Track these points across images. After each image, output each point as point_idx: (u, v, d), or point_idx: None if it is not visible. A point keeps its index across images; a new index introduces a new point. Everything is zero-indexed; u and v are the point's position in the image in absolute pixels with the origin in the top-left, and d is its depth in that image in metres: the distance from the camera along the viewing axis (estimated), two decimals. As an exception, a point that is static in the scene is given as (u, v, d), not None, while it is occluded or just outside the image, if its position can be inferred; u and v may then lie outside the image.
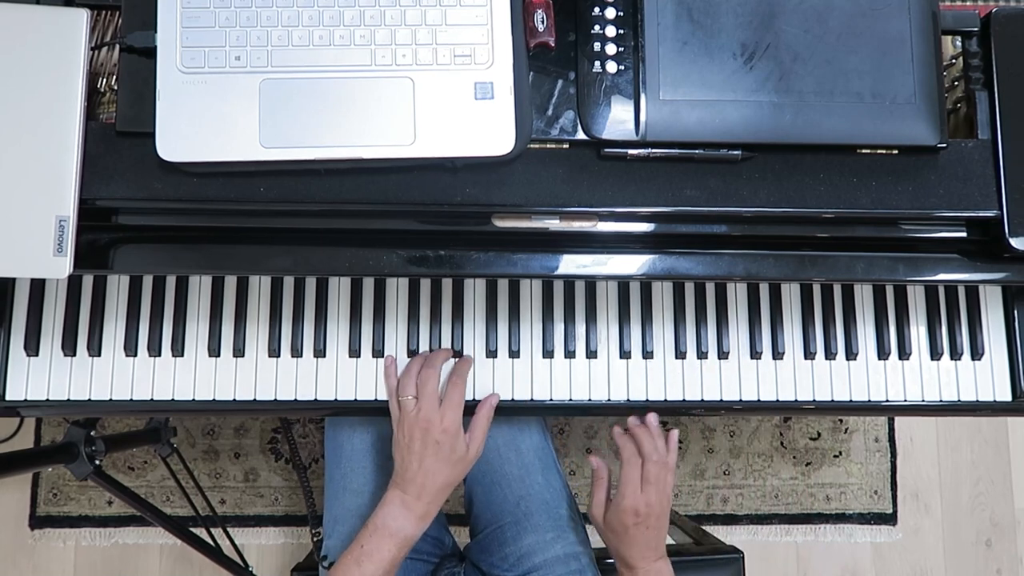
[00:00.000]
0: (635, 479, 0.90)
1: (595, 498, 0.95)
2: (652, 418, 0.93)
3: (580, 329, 0.94)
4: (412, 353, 0.92)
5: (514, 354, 0.93)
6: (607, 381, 0.94)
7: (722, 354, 0.95)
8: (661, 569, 0.93)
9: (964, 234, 0.84)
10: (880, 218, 0.82)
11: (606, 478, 0.95)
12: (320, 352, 0.92)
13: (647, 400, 0.94)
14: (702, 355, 0.95)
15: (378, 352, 0.92)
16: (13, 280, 0.90)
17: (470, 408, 0.90)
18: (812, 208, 0.79)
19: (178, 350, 0.90)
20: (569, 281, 0.95)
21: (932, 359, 0.95)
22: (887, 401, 0.95)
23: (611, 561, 0.97)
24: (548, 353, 0.94)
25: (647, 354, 0.94)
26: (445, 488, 0.88)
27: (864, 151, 0.80)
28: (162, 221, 0.81)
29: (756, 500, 1.73)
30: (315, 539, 1.43)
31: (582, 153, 0.79)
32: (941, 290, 0.96)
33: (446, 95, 0.75)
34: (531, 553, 1.00)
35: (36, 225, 0.72)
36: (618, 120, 0.77)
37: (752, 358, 0.95)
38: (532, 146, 0.78)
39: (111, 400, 0.90)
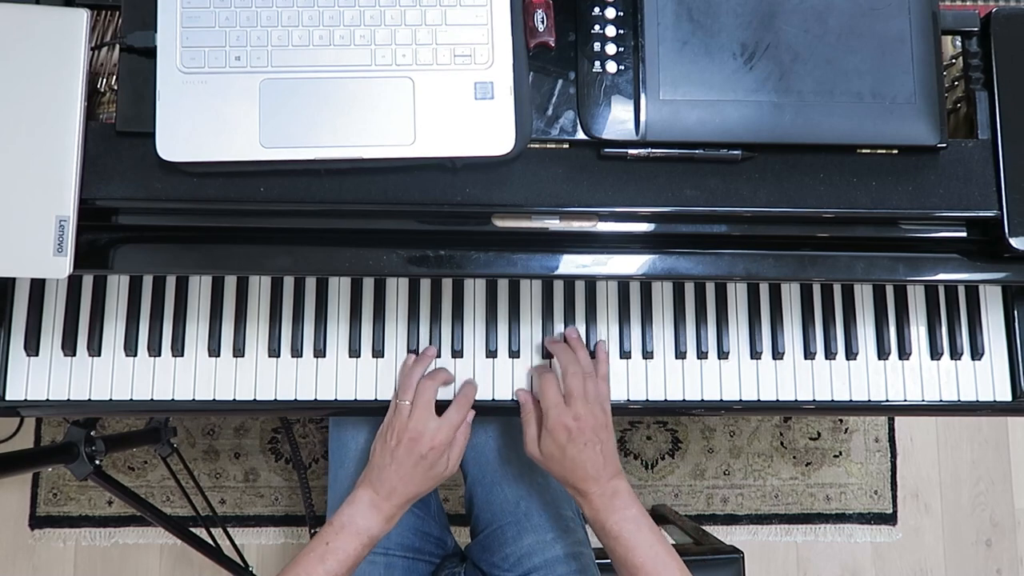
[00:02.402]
0: (554, 395, 0.86)
1: (527, 434, 0.89)
2: (571, 331, 0.92)
3: (580, 329, 0.94)
4: (412, 353, 0.92)
5: (514, 354, 0.93)
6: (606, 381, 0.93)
7: (722, 354, 0.95)
8: (617, 488, 0.85)
9: (964, 234, 0.84)
10: (880, 218, 0.82)
11: (534, 412, 0.89)
12: (320, 352, 0.92)
13: (647, 400, 0.94)
14: (702, 355, 0.95)
15: (378, 352, 0.92)
16: (13, 280, 0.90)
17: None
18: (812, 208, 0.79)
19: (178, 350, 0.90)
20: (569, 281, 0.95)
21: (932, 359, 0.95)
22: (887, 401, 0.95)
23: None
24: (548, 354, 0.94)
25: (647, 354, 0.94)
26: (415, 496, 0.88)
27: (864, 151, 0.80)
28: (162, 221, 0.81)
29: (756, 500, 1.73)
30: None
31: (582, 153, 0.79)
32: (941, 290, 0.96)
33: (446, 95, 0.75)
34: (531, 553, 1.00)
35: (36, 225, 0.72)
36: (618, 120, 0.77)
37: (752, 358, 0.95)
38: (532, 146, 0.78)
39: (111, 400, 0.90)
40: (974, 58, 0.83)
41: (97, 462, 1.11)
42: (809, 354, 0.95)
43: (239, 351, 0.91)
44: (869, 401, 0.95)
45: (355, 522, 0.85)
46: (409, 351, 0.92)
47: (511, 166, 0.77)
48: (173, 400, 0.90)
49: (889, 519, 1.74)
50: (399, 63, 0.75)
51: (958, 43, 0.86)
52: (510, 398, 0.93)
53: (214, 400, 0.91)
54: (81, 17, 0.74)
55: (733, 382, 0.94)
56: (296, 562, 0.84)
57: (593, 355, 0.92)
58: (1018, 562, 1.75)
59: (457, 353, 0.93)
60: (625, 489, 0.85)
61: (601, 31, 0.78)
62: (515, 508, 1.03)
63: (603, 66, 0.78)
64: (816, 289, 0.96)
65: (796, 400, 0.95)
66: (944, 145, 0.79)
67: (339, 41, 0.75)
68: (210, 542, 1.36)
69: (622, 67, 0.78)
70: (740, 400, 0.94)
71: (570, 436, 0.84)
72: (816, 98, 0.77)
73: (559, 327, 0.94)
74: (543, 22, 0.78)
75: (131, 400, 0.90)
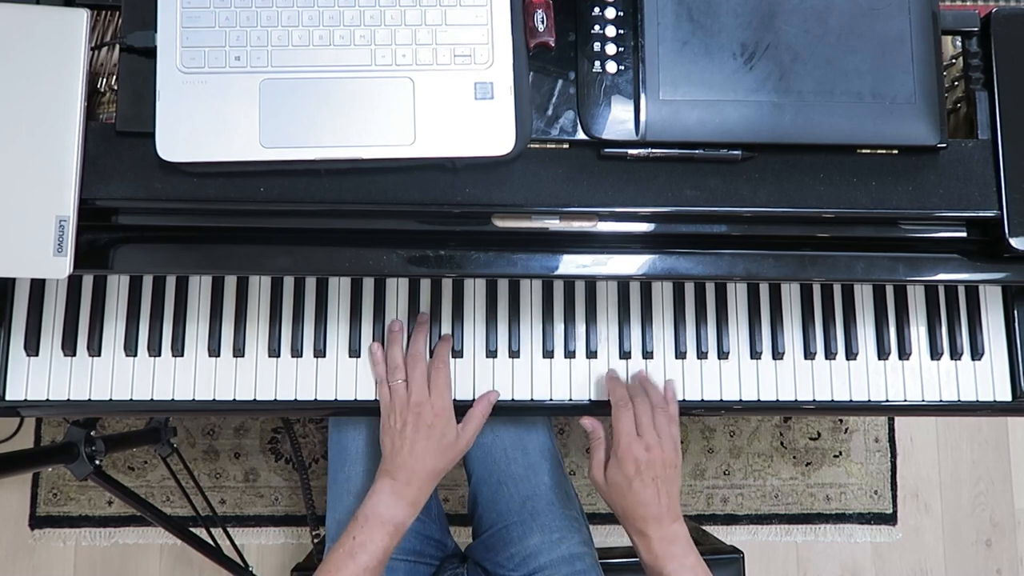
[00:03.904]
0: (628, 424, 0.86)
1: (594, 458, 0.89)
2: (639, 373, 0.93)
3: (580, 329, 0.94)
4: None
5: (514, 354, 0.93)
6: (607, 381, 0.93)
7: (722, 354, 0.95)
8: (677, 533, 0.84)
9: (964, 234, 0.84)
10: (880, 218, 0.82)
11: (603, 437, 0.89)
12: (320, 352, 0.92)
13: (647, 400, 0.93)
14: (702, 355, 0.95)
15: (378, 352, 0.92)
16: (13, 280, 0.90)
17: (465, 406, 0.91)
18: (812, 208, 0.79)
19: (178, 350, 0.90)
20: (569, 281, 0.95)
21: (932, 359, 0.95)
22: (887, 401, 0.95)
23: (615, 561, 0.96)
24: (548, 353, 0.94)
25: (647, 354, 0.94)
26: (434, 474, 0.88)
27: (864, 151, 0.80)
28: (162, 221, 0.81)
29: (756, 500, 1.73)
30: (315, 540, 1.43)
31: (582, 153, 0.79)
32: (941, 290, 0.96)
33: (446, 95, 0.75)
34: (537, 553, 1.00)
35: (36, 225, 0.72)
36: (618, 120, 0.77)
37: (752, 358, 0.95)
38: (532, 146, 0.78)
39: (111, 400, 0.90)
40: (974, 58, 0.83)
41: (97, 462, 1.11)
42: (809, 354, 0.95)
43: (239, 351, 0.91)
44: (869, 401, 0.95)
45: (379, 512, 0.85)
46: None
47: (511, 166, 0.77)
48: (173, 400, 0.90)
49: (889, 519, 1.74)
50: (399, 63, 0.75)
51: (958, 43, 0.86)
52: (510, 398, 0.93)
53: (214, 400, 0.91)
54: (81, 17, 0.74)
55: (733, 382, 0.94)
56: (326, 560, 0.84)
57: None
58: (1018, 562, 1.75)
59: (457, 353, 0.93)
60: (684, 535, 0.85)
61: (601, 31, 0.78)
62: (521, 508, 1.03)
63: (603, 66, 0.78)
64: (816, 289, 0.96)
65: (796, 400, 0.95)
66: (944, 145, 0.79)
67: (339, 41, 0.75)
68: (210, 542, 1.36)
69: (622, 67, 0.78)
70: (740, 400, 0.94)
71: (638, 468, 0.84)
72: (816, 98, 0.77)
73: (559, 327, 0.94)
74: (543, 22, 0.78)
75: (131, 400, 0.90)
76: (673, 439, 0.87)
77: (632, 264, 0.83)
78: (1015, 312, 0.95)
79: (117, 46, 0.78)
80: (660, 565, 0.83)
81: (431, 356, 0.91)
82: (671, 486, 0.85)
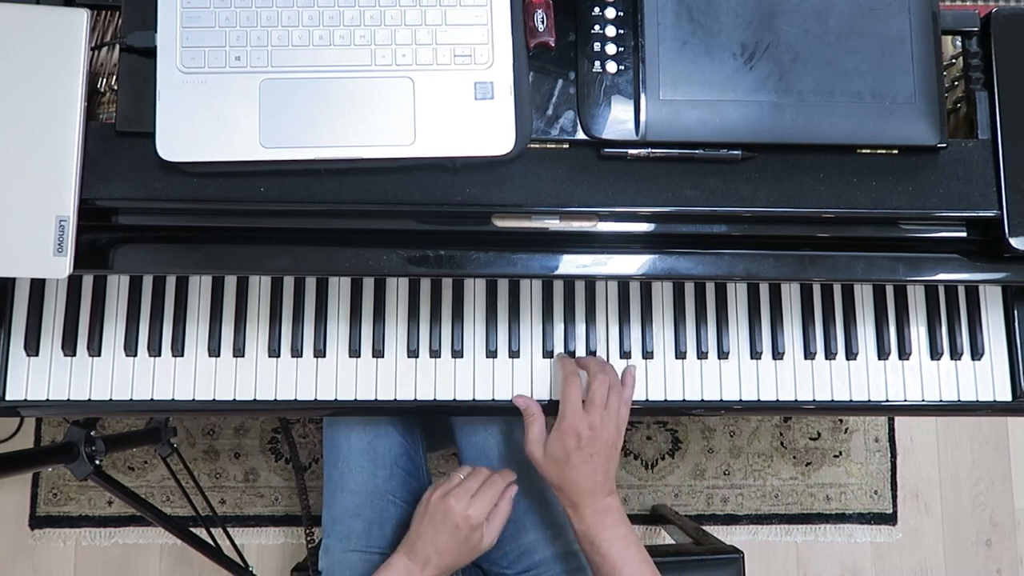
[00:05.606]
0: (575, 398, 0.86)
1: (530, 434, 0.88)
2: (597, 358, 0.92)
3: (580, 329, 0.94)
4: (412, 353, 0.92)
5: (514, 354, 0.93)
6: (607, 381, 0.93)
7: (722, 354, 0.95)
8: (609, 506, 0.86)
9: (964, 234, 0.84)
10: (880, 218, 0.82)
11: (539, 413, 0.89)
12: (320, 352, 0.92)
13: (647, 400, 0.94)
14: (702, 355, 0.95)
15: (378, 352, 0.92)
16: (13, 280, 0.90)
17: (466, 405, 0.91)
18: (812, 208, 0.79)
19: (178, 350, 0.90)
20: (569, 281, 0.95)
21: (932, 359, 0.95)
22: (887, 401, 0.95)
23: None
24: (548, 353, 0.94)
25: (647, 354, 0.94)
26: (451, 568, 0.88)
27: (864, 151, 0.80)
28: (162, 221, 0.81)
29: (756, 500, 1.73)
30: (309, 543, 1.43)
31: (582, 153, 0.79)
32: (941, 290, 0.96)
33: (446, 95, 0.75)
34: (531, 550, 1.00)
35: (36, 225, 0.72)
36: (618, 120, 0.77)
37: (752, 358, 0.95)
38: (532, 146, 0.78)
39: (111, 400, 0.90)
40: (974, 58, 0.84)
41: (97, 462, 1.11)
42: (809, 354, 0.95)
43: (239, 351, 0.91)
44: (869, 401, 0.95)
45: None
46: (409, 351, 0.92)
47: (511, 166, 0.78)
48: (173, 400, 0.90)
49: (889, 519, 1.74)
50: (399, 63, 0.75)
51: (958, 43, 0.86)
52: (510, 398, 0.93)
53: (214, 400, 0.91)
54: (81, 17, 0.74)
55: (733, 382, 0.94)
56: None
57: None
58: (1018, 562, 1.75)
59: (457, 353, 0.93)
60: (617, 507, 0.87)
61: (601, 31, 0.78)
62: (515, 506, 1.03)
63: (603, 66, 0.78)
64: (816, 289, 0.96)
65: (796, 400, 0.95)
66: (944, 145, 0.79)
67: (339, 41, 0.75)
68: (210, 542, 1.36)
69: (622, 67, 0.78)
70: (740, 400, 0.94)
71: (579, 443, 0.85)
72: (816, 98, 0.77)
73: (559, 327, 0.94)
74: (543, 22, 0.78)
75: (131, 400, 0.90)
76: (618, 421, 0.88)
77: (632, 264, 0.83)
78: (1015, 312, 0.95)
79: (117, 46, 0.78)
80: (592, 535, 0.85)
81: None
82: (608, 464, 0.87)
